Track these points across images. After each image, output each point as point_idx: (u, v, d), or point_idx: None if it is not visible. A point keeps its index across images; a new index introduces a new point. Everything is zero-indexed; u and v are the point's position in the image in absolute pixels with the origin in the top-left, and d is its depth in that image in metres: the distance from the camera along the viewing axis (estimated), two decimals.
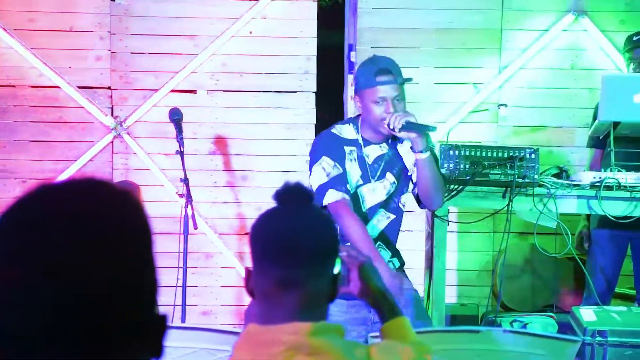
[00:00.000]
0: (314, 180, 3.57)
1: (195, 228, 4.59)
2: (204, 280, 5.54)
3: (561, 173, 4.45)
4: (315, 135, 5.51)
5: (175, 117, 4.73)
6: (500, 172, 4.28)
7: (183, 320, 4.58)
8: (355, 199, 3.58)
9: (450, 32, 5.47)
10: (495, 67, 5.52)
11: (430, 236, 4.39)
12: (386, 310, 1.95)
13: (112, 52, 5.46)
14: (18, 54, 5.38)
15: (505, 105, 5.35)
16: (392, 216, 3.66)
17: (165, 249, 5.02)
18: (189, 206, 4.55)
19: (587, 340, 3.91)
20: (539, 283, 5.42)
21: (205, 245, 5.51)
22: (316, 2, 5.51)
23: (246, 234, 5.48)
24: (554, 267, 5.35)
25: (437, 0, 5.48)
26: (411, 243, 5.26)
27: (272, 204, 1.73)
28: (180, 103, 5.29)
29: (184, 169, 4.58)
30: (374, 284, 1.94)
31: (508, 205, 4.25)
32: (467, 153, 4.27)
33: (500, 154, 4.31)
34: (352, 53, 5.56)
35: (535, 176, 4.28)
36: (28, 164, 5.45)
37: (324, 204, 3.50)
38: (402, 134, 3.44)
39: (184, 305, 4.57)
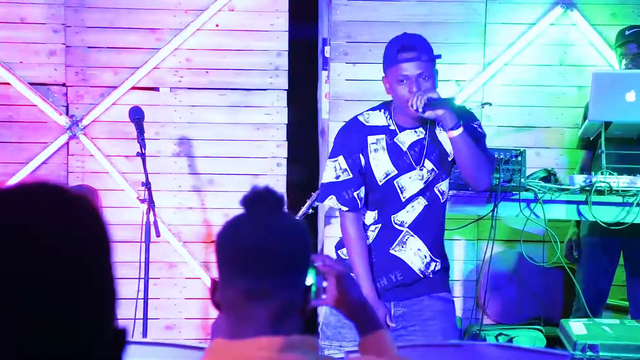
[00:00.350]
0: (325, 173, 3.64)
1: (158, 236, 4.57)
2: (167, 291, 5.51)
3: (549, 176, 4.47)
4: (288, 135, 5.52)
5: (136, 116, 4.71)
6: None
7: (144, 334, 4.56)
8: (392, 190, 3.55)
9: (431, 25, 5.49)
10: (479, 63, 5.54)
11: None
12: (365, 323, 1.94)
13: (67, 46, 5.43)
14: None
15: (490, 104, 5.34)
16: (427, 203, 3.58)
17: (125, 259, 5.01)
18: (151, 212, 4.53)
19: (577, 355, 3.94)
20: (526, 294, 5.45)
21: (168, 254, 5.49)
22: None
23: (213, 242, 5.47)
24: (542, 277, 5.38)
25: None
26: None
27: (240, 210, 1.73)
28: (142, 101, 5.27)
29: (145, 173, 4.56)
30: (352, 295, 1.94)
31: (493, 210, 4.28)
32: None
33: None
34: (327, 48, 5.57)
35: (522, 180, 4.30)
36: None
37: (323, 204, 3.73)
38: (427, 114, 3.37)
39: (145, 318, 4.54)
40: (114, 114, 5.43)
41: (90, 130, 5.45)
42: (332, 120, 5.50)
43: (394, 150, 3.53)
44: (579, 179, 4.35)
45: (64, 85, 5.45)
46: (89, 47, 5.44)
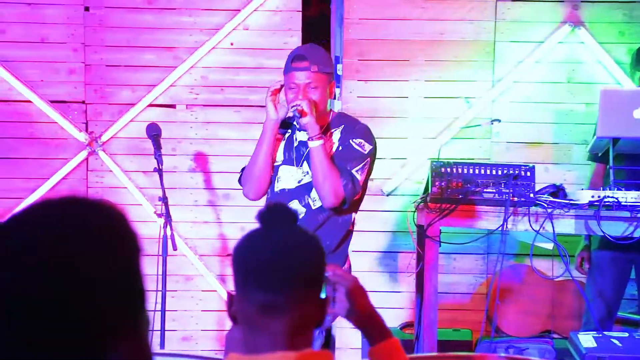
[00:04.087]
0: None
1: (175, 249, 4.56)
2: (183, 304, 5.50)
3: (558, 192, 4.44)
4: None
5: (153, 132, 4.71)
6: (494, 190, 4.28)
7: (162, 346, 4.55)
8: (274, 176, 3.73)
9: (441, 44, 5.48)
10: (488, 80, 5.53)
11: (420, 257, 4.38)
12: (374, 331, 1.92)
13: (86, 65, 5.45)
14: None
15: (499, 121, 5.34)
16: (303, 210, 3.66)
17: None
18: (168, 226, 4.52)
19: None
20: (536, 307, 5.41)
21: (185, 267, 5.48)
22: (301, 13, 5.52)
23: (228, 255, 5.46)
24: (552, 291, 5.35)
25: (427, 10, 5.50)
26: (400, 264, 5.27)
27: (256, 224, 1.72)
28: (159, 118, 5.28)
29: (162, 187, 4.56)
30: (362, 304, 1.92)
31: (503, 225, 4.25)
32: (460, 171, 4.28)
33: (494, 172, 4.32)
34: (339, 66, 5.57)
35: (531, 195, 4.28)
36: None
37: None
38: (296, 120, 3.60)
39: (162, 330, 4.53)
40: (131, 130, 5.44)
41: (108, 146, 5.46)
42: None
43: (288, 144, 3.75)
44: (588, 195, 4.32)
45: (83, 102, 5.46)
46: (107, 66, 5.46)
